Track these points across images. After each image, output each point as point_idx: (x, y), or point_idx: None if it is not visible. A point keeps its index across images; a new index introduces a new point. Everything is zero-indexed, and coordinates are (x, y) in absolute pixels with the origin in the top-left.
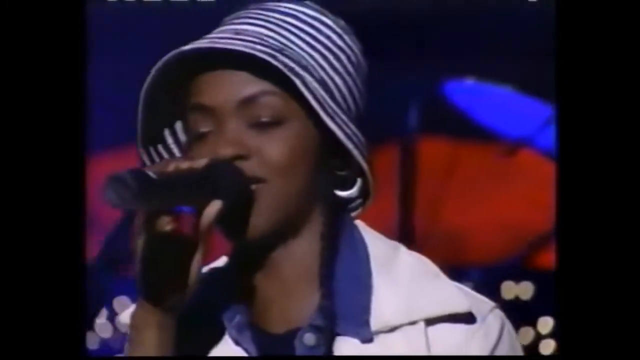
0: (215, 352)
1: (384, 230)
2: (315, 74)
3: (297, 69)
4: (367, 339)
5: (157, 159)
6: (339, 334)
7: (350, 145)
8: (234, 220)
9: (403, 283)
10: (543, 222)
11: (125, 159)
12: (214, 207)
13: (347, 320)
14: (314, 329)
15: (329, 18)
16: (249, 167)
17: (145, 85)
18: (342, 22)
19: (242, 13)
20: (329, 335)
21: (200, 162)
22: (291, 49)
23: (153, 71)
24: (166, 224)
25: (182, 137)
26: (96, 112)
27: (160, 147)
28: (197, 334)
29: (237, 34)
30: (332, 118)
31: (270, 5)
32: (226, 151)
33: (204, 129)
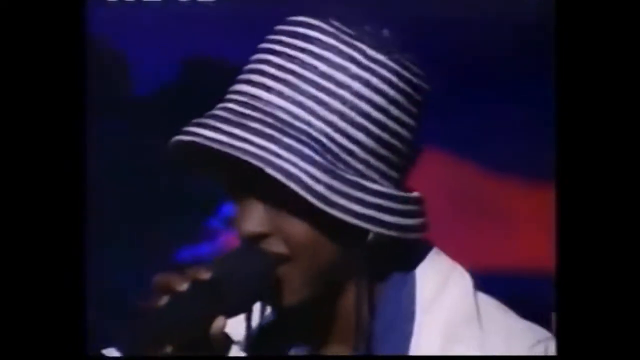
0: None
1: None
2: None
3: (291, 169)
4: None
5: None
6: None
7: (366, 224)
8: (265, 299)
9: (444, 325)
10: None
11: (125, 158)
12: (219, 323)
13: (385, 351)
14: None
15: (348, 44)
16: (273, 244)
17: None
18: (369, 63)
19: (256, 56)
20: None
21: (203, 275)
22: (296, 88)
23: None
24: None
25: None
26: (96, 112)
27: None
28: None
29: (244, 117)
30: (331, 206)
31: (287, 28)
32: (249, 228)
33: (236, 201)
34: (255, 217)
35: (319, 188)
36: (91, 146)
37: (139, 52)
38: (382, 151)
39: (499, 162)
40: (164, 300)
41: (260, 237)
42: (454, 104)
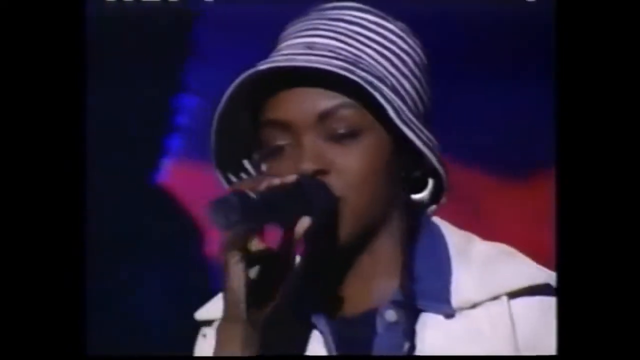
0: (289, 332)
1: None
2: (388, 83)
3: (375, 81)
4: (450, 315)
5: (233, 179)
6: (420, 310)
7: (426, 150)
8: (317, 233)
9: (481, 265)
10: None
11: (124, 158)
12: (304, 223)
13: (427, 298)
14: (395, 304)
15: (390, 22)
16: (329, 181)
17: (219, 108)
18: (400, 24)
19: (304, 24)
20: (409, 311)
21: (290, 179)
22: (364, 60)
23: (227, 93)
24: (256, 243)
25: (256, 155)
26: (96, 112)
27: (236, 167)
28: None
29: (310, 48)
30: (408, 126)
31: (332, 13)
32: (308, 166)
33: (280, 142)
34: (311, 155)
35: (396, 104)
36: (92, 146)
37: (138, 52)
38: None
39: (497, 163)
40: (264, 185)
41: (318, 173)
42: (451, 103)
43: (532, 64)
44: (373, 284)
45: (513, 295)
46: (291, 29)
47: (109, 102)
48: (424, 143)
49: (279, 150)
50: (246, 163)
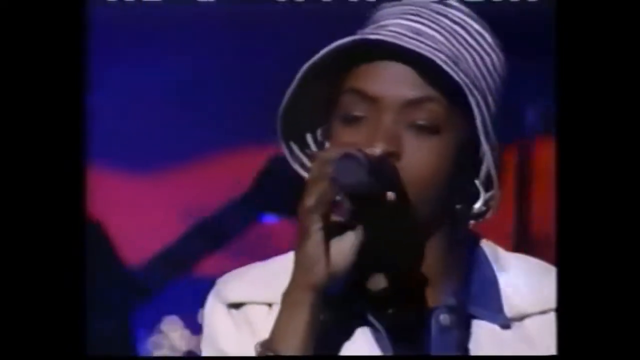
0: (347, 325)
1: (501, 235)
2: (483, 94)
3: (472, 87)
4: (505, 325)
5: (297, 152)
6: (474, 317)
7: (493, 166)
8: (379, 219)
9: (520, 276)
10: None
11: (125, 157)
12: (390, 197)
13: (481, 306)
14: (448, 309)
15: (488, 34)
16: (399, 167)
17: (310, 64)
18: (496, 40)
19: (407, 7)
20: (462, 317)
21: (377, 152)
22: (462, 61)
23: (322, 53)
24: (335, 212)
25: (325, 123)
26: (96, 112)
27: (300, 141)
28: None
29: (417, 34)
30: (487, 139)
31: (437, 7)
32: (382, 145)
33: (358, 113)
34: (387, 136)
35: (485, 115)
36: (92, 146)
37: (139, 52)
38: None
39: None
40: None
41: (389, 155)
42: None
43: (532, 64)
44: (421, 287)
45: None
46: (390, 10)
47: (109, 102)
48: (494, 159)
49: (355, 120)
50: (309, 137)
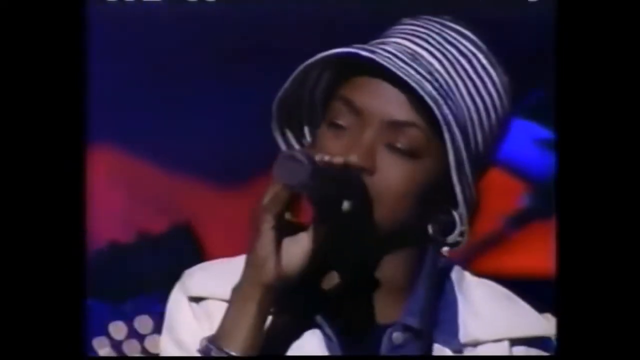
0: (297, 332)
1: None
2: (466, 129)
3: (453, 125)
4: (458, 350)
5: (292, 141)
6: (427, 339)
7: (463, 206)
8: (336, 224)
9: (483, 305)
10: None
11: (124, 157)
12: (346, 207)
13: (437, 328)
14: (404, 327)
15: (497, 72)
16: (370, 182)
17: (305, 65)
18: (506, 80)
19: (420, 29)
20: (417, 337)
21: (338, 160)
22: (454, 95)
23: (316, 58)
24: (292, 214)
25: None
26: (96, 112)
27: (297, 131)
28: (281, 314)
29: (414, 59)
30: (460, 179)
31: (449, 34)
32: (357, 158)
33: (341, 122)
34: (364, 151)
35: (461, 156)
36: (91, 145)
37: (139, 52)
38: None
39: None
40: (325, 159)
41: (362, 170)
42: None
43: (532, 64)
44: (377, 301)
45: (514, 342)
46: (403, 27)
47: (109, 102)
48: (465, 200)
49: (338, 128)
50: (306, 129)
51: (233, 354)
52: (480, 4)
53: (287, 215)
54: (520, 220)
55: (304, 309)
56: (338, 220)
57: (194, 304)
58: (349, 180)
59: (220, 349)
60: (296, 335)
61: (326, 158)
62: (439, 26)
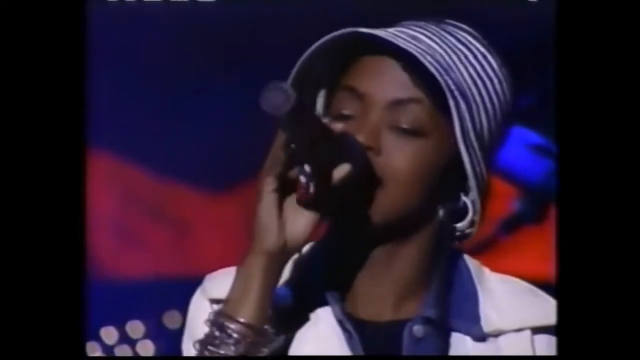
0: (317, 330)
1: None
2: (469, 103)
3: (456, 92)
4: (480, 338)
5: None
6: (451, 330)
7: (472, 179)
8: (349, 209)
9: (505, 297)
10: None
11: (124, 158)
12: (344, 168)
13: (458, 318)
14: (424, 320)
15: (495, 60)
16: (375, 163)
17: (307, 54)
18: (505, 71)
19: (419, 22)
20: (438, 329)
21: (338, 126)
22: (456, 74)
23: (319, 43)
24: (300, 192)
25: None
26: (96, 112)
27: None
28: (301, 309)
29: (414, 39)
30: (467, 148)
31: (448, 28)
32: (361, 138)
33: (347, 111)
34: (369, 132)
35: (465, 124)
36: (91, 144)
37: (139, 52)
38: None
39: None
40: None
41: (367, 149)
42: None
43: (532, 65)
44: (402, 290)
45: (536, 330)
46: (405, 23)
47: (109, 102)
48: (474, 171)
49: (343, 118)
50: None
51: (242, 320)
52: (480, 4)
53: (292, 174)
54: (512, 225)
55: (314, 285)
56: (348, 201)
57: (215, 306)
58: (348, 147)
59: (229, 317)
60: (308, 314)
61: (339, 126)
62: (437, 23)
